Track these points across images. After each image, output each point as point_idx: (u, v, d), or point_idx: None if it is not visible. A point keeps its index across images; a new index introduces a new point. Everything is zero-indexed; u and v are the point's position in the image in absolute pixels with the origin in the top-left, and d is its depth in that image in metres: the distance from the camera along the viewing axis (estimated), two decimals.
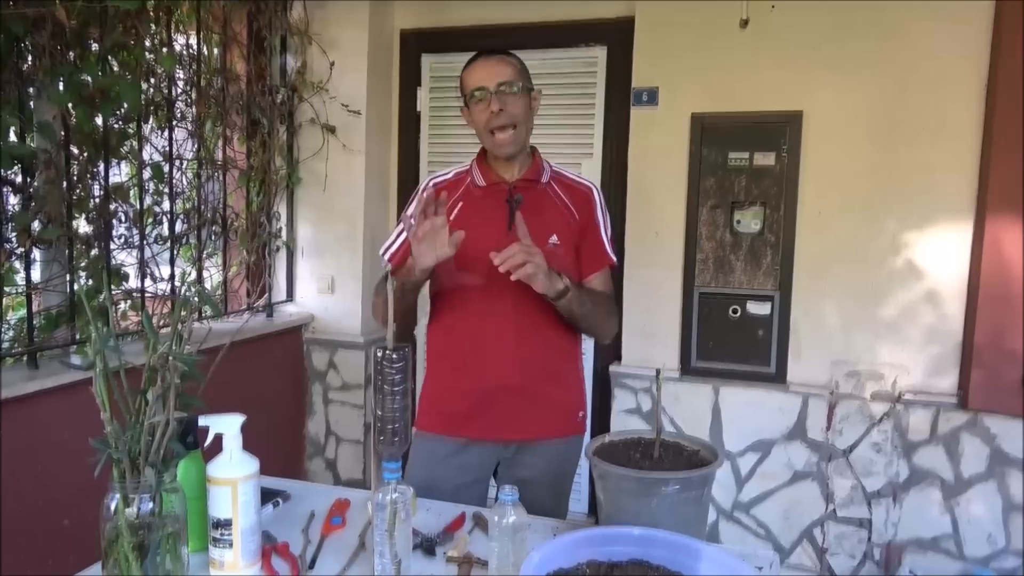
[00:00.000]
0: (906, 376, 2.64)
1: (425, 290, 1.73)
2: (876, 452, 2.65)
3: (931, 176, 2.57)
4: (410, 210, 1.73)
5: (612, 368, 2.95)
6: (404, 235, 1.75)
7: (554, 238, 1.68)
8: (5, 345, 2.12)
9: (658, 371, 1.35)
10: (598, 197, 1.79)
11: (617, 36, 2.95)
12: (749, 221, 2.76)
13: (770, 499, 2.77)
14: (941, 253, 2.58)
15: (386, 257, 1.80)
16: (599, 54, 3.03)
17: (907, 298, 2.63)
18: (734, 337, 2.80)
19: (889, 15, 2.56)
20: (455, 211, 1.70)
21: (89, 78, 2.11)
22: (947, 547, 2.59)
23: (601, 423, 3.06)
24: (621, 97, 2.95)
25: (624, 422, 2.91)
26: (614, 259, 1.81)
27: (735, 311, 2.79)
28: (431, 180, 1.78)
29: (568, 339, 1.76)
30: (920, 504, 2.61)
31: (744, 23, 2.63)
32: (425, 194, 1.57)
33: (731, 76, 2.74)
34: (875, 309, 2.66)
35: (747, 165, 2.73)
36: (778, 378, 2.78)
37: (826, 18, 2.62)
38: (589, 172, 3.06)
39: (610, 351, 3.05)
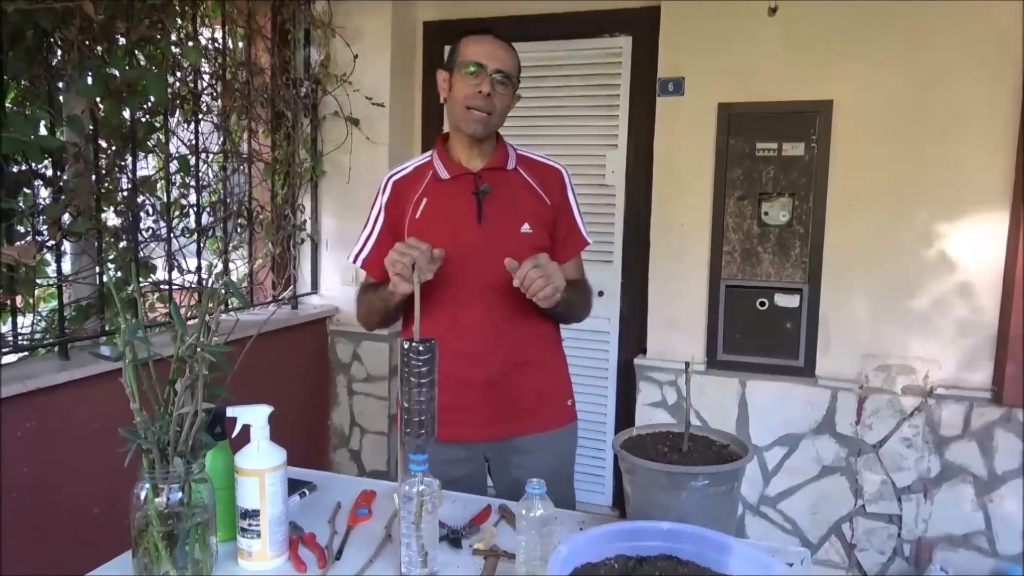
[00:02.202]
0: (938, 370, 2.59)
1: None
2: (907, 447, 2.60)
3: (964, 166, 2.51)
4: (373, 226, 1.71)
5: (637, 361, 2.93)
6: (373, 238, 1.71)
7: (526, 226, 1.62)
8: (37, 336, 2.16)
9: (687, 364, 1.33)
10: (567, 178, 1.73)
11: (642, 25, 2.92)
12: (777, 212, 2.71)
13: (798, 494, 2.74)
14: (975, 244, 2.53)
15: (358, 264, 1.74)
16: (624, 43, 3.00)
17: (939, 290, 2.58)
18: (761, 330, 2.77)
19: (920, 2, 2.50)
20: (420, 207, 1.64)
21: (116, 72, 2.13)
22: (979, 544, 2.55)
23: (626, 416, 3.04)
24: (646, 87, 2.92)
25: (649, 415, 2.89)
26: (589, 239, 1.76)
27: (763, 303, 2.75)
28: (390, 176, 1.71)
29: (547, 327, 1.71)
30: (952, 500, 2.57)
31: (772, 11, 2.58)
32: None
33: (759, 65, 2.70)
34: (906, 302, 2.61)
35: (775, 155, 2.69)
36: (806, 371, 2.74)
37: (856, 5, 2.56)
38: (614, 163, 3.04)
39: (635, 343, 3.03)
